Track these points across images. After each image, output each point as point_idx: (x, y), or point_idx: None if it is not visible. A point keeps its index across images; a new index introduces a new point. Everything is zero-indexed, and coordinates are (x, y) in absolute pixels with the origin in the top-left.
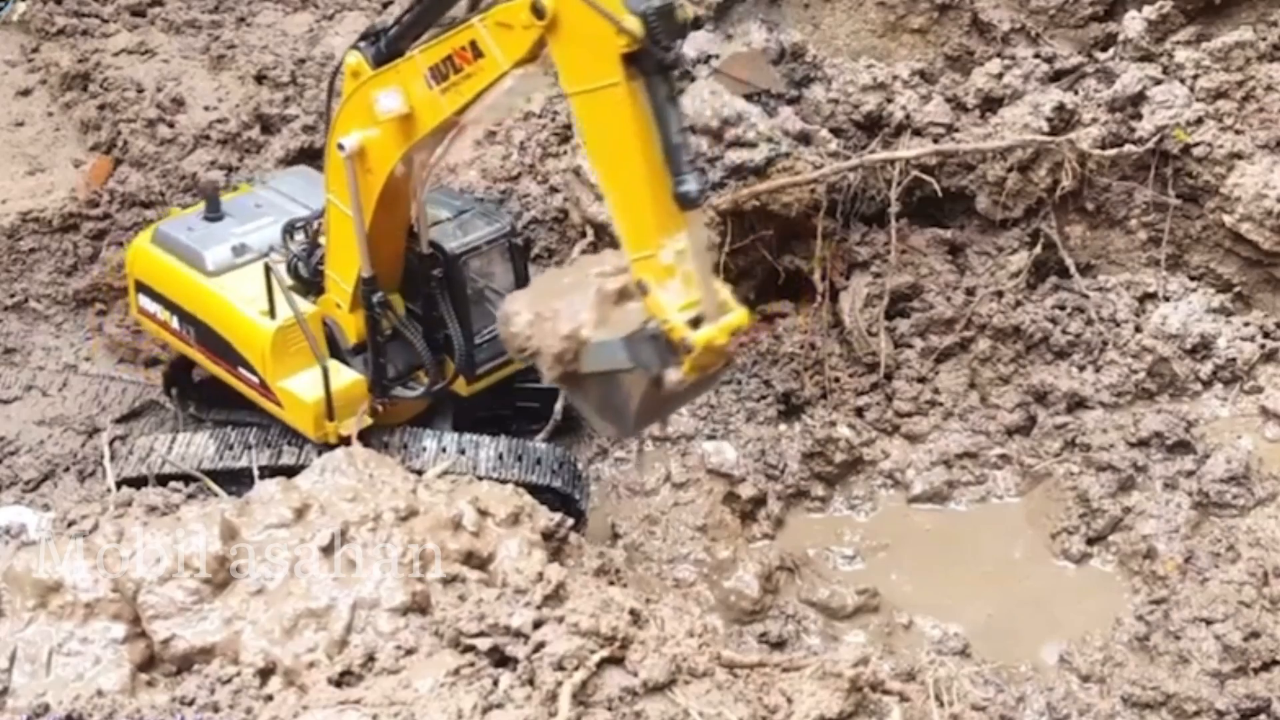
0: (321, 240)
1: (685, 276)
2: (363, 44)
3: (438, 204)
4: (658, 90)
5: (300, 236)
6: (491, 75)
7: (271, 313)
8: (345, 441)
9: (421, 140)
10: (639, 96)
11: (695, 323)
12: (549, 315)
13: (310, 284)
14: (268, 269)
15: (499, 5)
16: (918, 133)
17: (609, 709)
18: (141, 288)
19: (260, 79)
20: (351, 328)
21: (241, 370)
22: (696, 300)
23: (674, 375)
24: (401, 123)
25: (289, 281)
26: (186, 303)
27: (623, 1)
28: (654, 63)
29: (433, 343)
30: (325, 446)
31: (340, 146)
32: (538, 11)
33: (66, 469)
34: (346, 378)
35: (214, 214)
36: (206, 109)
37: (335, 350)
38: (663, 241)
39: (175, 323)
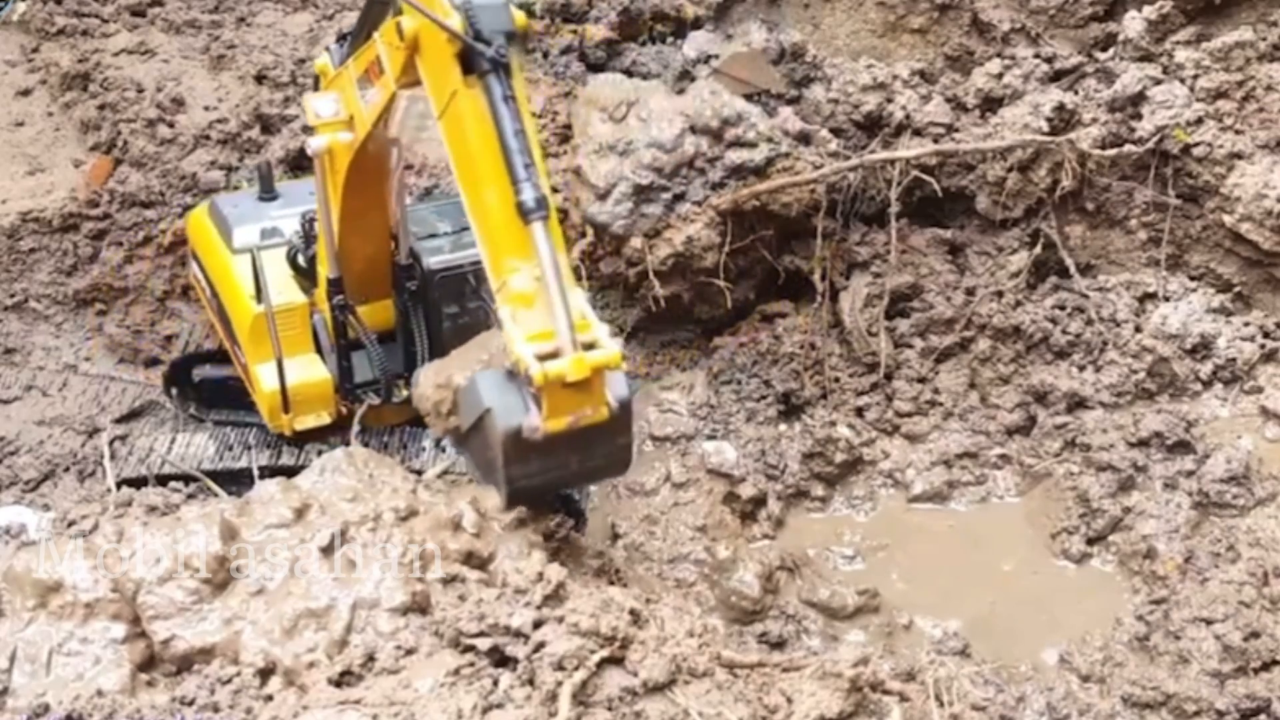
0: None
1: (544, 304)
2: (334, 46)
3: (445, 217)
4: (493, 91)
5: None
6: (388, 92)
7: (258, 297)
8: (301, 438)
9: (366, 149)
10: (478, 103)
11: (549, 358)
12: (442, 369)
13: (308, 275)
14: (254, 254)
15: (389, 25)
16: (918, 133)
17: (609, 709)
18: (193, 255)
19: (260, 79)
20: (333, 326)
21: (236, 349)
22: (549, 332)
23: (531, 420)
24: (345, 128)
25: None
26: (213, 275)
27: (423, 12)
28: (484, 60)
29: (409, 356)
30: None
31: (309, 146)
32: (399, 32)
33: (66, 469)
34: (314, 375)
35: (267, 194)
36: (206, 109)
37: (321, 346)
38: (516, 265)
39: (208, 293)
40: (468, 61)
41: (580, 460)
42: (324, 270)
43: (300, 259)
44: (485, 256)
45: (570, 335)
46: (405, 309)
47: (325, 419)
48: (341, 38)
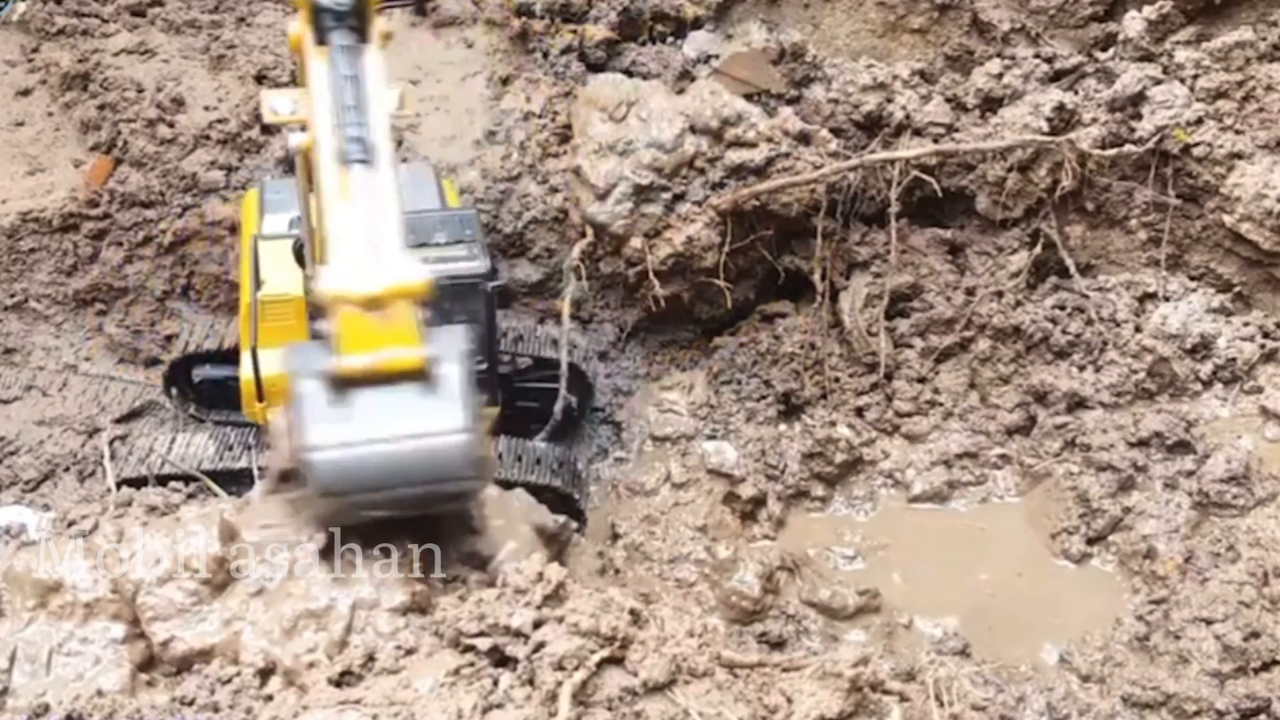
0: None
1: (359, 246)
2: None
3: (446, 228)
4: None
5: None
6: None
7: (257, 285)
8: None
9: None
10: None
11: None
12: None
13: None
14: (255, 243)
15: None
16: (918, 133)
17: (609, 709)
18: (241, 235)
19: (260, 79)
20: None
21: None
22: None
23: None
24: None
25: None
26: (244, 256)
27: None
28: (328, 15)
29: None
30: None
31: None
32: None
33: (66, 469)
34: None
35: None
36: (206, 109)
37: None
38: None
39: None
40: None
41: (396, 437)
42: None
43: (304, 252)
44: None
45: (371, 260)
46: None
47: None
48: None
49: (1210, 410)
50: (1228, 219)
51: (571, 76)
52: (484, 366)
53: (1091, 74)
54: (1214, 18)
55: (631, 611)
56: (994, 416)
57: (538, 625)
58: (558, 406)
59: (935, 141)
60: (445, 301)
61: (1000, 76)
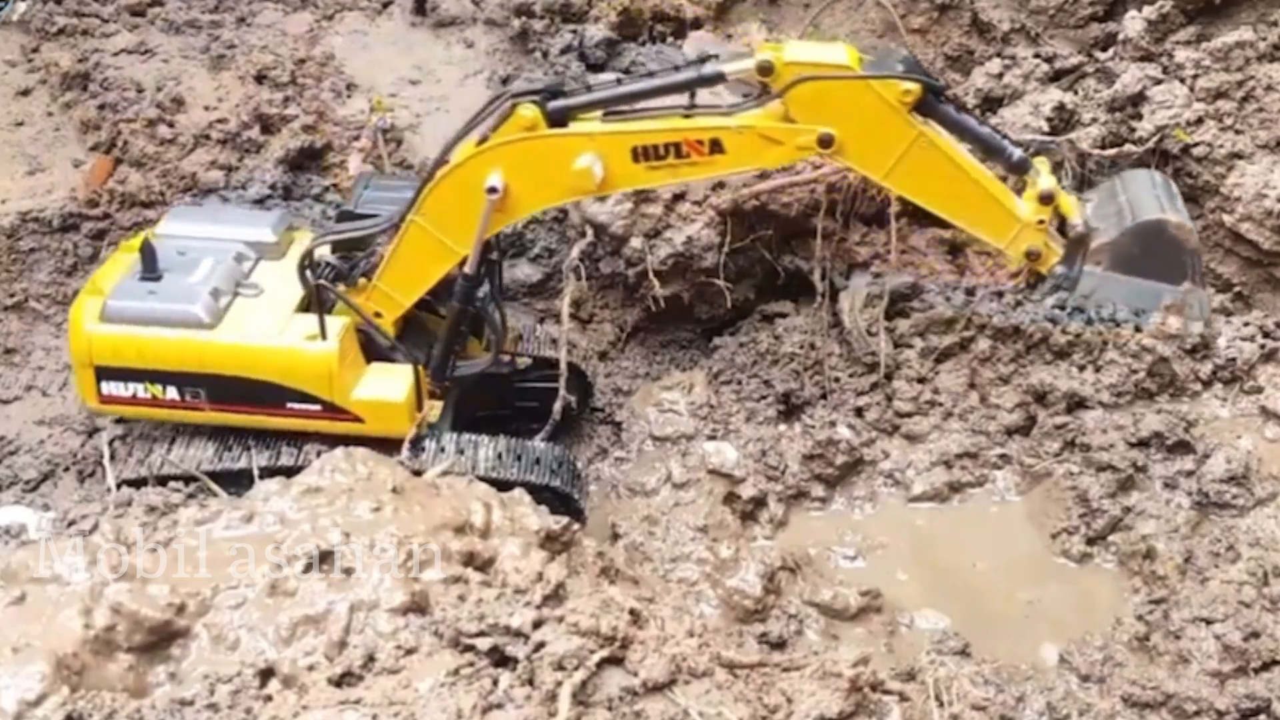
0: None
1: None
2: (533, 97)
3: None
4: (944, 111)
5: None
6: (729, 169)
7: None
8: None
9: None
10: (937, 134)
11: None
12: None
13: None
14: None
15: (760, 116)
16: None
17: (609, 709)
18: None
19: (260, 79)
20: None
21: None
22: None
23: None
24: (580, 181)
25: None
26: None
27: (877, 77)
28: (934, 93)
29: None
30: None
31: (492, 190)
32: (824, 142)
33: (66, 469)
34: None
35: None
36: (206, 109)
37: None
38: (1016, 214)
39: None
40: (919, 105)
41: None
42: (395, 288)
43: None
44: (987, 232)
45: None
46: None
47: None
48: (533, 92)
49: (1210, 410)
50: (1228, 219)
51: (571, 76)
52: None
53: (1091, 74)
54: (1214, 18)
55: (631, 611)
56: (994, 416)
57: (538, 625)
58: (557, 406)
59: None
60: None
61: (1000, 76)
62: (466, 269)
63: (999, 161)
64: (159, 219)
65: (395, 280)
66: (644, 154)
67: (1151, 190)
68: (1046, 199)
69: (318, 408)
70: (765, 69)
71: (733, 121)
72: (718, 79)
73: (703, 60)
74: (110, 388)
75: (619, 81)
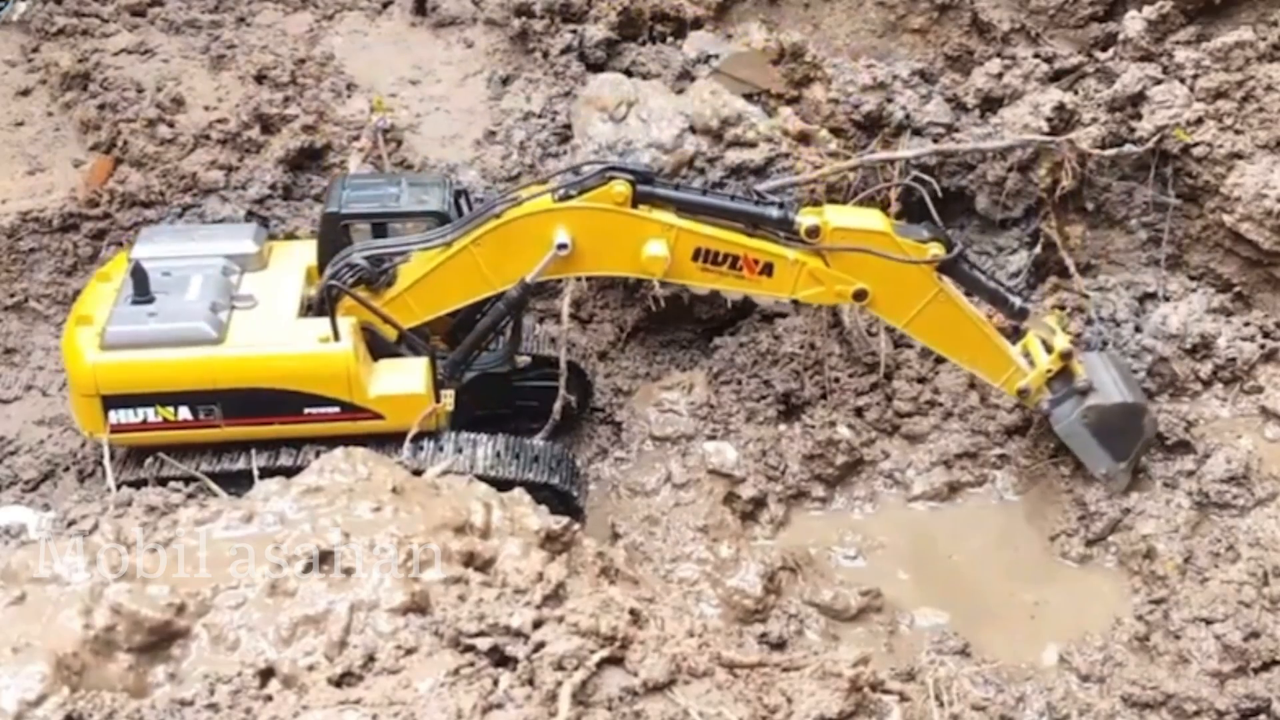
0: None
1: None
2: (628, 175)
3: None
4: (959, 270)
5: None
6: (768, 293)
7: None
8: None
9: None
10: (950, 285)
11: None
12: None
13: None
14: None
15: (814, 258)
16: (918, 132)
17: (609, 709)
18: None
19: (260, 79)
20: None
21: None
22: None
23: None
24: (648, 264)
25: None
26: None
27: (910, 242)
28: (955, 255)
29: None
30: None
31: (563, 246)
32: (859, 296)
33: (66, 469)
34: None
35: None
36: (206, 109)
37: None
38: (1011, 358)
39: None
40: (942, 267)
41: None
42: (422, 304)
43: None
44: (987, 372)
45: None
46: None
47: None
48: (630, 171)
49: (1210, 410)
50: (1228, 219)
51: (571, 76)
52: None
53: (1091, 74)
54: (1214, 18)
55: (631, 611)
56: (994, 416)
57: (538, 625)
58: (557, 405)
59: (935, 141)
60: None
61: (1000, 76)
62: (529, 278)
63: (1002, 310)
64: (127, 246)
65: (423, 295)
66: (704, 256)
67: (1131, 375)
68: (1066, 356)
69: (336, 410)
70: (813, 232)
71: (790, 254)
72: (786, 224)
73: (781, 205)
74: (119, 416)
75: (704, 191)
